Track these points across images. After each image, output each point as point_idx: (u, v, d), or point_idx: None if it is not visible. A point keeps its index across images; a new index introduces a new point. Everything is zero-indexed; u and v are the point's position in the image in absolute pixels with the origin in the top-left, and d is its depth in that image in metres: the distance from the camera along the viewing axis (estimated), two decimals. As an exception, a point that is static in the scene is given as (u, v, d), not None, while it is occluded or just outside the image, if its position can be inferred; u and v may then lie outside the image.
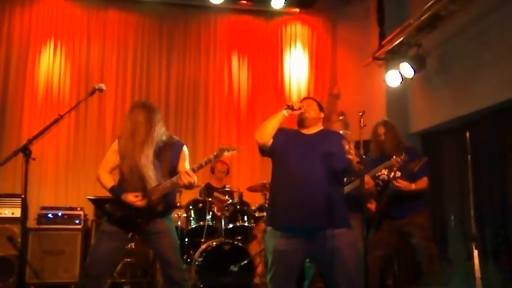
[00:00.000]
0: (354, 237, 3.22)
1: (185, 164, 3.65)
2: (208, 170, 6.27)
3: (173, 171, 3.56)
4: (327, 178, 3.19)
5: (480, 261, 4.72)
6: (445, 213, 5.96)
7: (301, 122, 3.43)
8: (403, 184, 4.16)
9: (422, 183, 4.27)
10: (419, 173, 4.23)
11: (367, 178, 4.01)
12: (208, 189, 5.98)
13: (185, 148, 3.69)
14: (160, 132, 3.56)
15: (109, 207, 3.52)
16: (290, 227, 3.18)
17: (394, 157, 4.05)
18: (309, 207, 3.13)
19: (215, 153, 3.50)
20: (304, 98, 3.62)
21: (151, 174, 3.43)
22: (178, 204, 5.44)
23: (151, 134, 3.48)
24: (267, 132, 3.30)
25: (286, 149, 3.29)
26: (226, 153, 3.51)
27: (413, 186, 4.20)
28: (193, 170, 3.46)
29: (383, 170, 4.26)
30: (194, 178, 3.45)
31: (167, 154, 3.55)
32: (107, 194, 3.65)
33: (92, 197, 3.84)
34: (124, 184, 3.51)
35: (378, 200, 4.37)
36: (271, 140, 3.31)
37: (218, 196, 5.83)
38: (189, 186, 3.50)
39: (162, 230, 3.53)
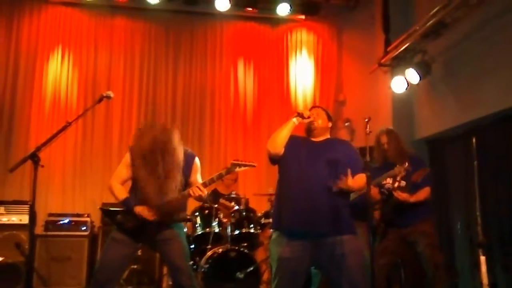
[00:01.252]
0: (360, 244, 3.23)
1: (197, 176, 3.68)
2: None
3: (185, 182, 3.59)
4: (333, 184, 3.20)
5: (487, 268, 4.70)
6: (451, 220, 5.93)
7: (310, 131, 3.45)
8: (402, 196, 4.16)
9: (424, 193, 4.26)
10: (422, 183, 4.23)
11: (372, 189, 4.03)
12: (215, 195, 5.98)
13: (197, 160, 3.72)
14: (180, 149, 3.58)
15: (120, 217, 3.53)
16: (295, 231, 3.19)
17: (397, 166, 4.05)
18: (314, 212, 3.15)
19: (227, 168, 3.53)
20: (313, 107, 3.63)
21: (172, 188, 3.46)
22: (188, 217, 5.44)
23: (176, 149, 3.52)
24: (279, 143, 3.32)
25: (294, 155, 3.31)
26: (238, 169, 3.53)
27: (411, 199, 4.19)
28: (204, 184, 3.50)
29: (388, 179, 4.25)
30: (205, 192, 3.49)
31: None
32: (114, 200, 3.67)
33: (105, 209, 3.86)
34: (137, 196, 3.52)
35: (383, 208, 4.37)
36: (283, 150, 3.33)
37: (224, 203, 5.83)
38: (200, 200, 3.54)
39: (171, 237, 3.55)
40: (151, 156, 3.46)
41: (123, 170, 3.64)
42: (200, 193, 3.44)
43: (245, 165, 3.55)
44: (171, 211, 3.50)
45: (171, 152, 3.48)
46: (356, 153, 3.47)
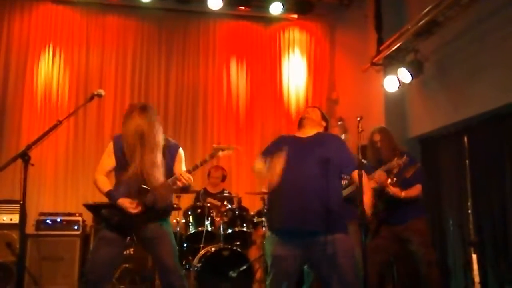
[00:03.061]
0: (351, 243, 3.23)
1: (181, 166, 3.63)
2: (206, 175, 6.30)
3: (169, 173, 3.53)
4: (324, 183, 3.20)
5: (479, 266, 4.72)
6: (443, 219, 5.95)
7: (300, 121, 3.53)
8: (392, 190, 4.17)
9: (415, 190, 4.26)
10: (413, 180, 4.23)
11: (380, 172, 4.09)
12: (205, 195, 5.99)
13: (180, 150, 3.68)
14: (161, 135, 3.54)
15: (106, 212, 3.48)
16: (286, 230, 3.20)
17: (396, 159, 4.06)
18: (305, 211, 3.15)
19: (210, 153, 3.51)
20: (309, 107, 3.74)
21: (157, 177, 3.41)
22: (175, 206, 5.39)
23: (157, 137, 3.47)
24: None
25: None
26: (220, 153, 3.52)
27: (402, 194, 4.20)
28: (189, 171, 3.47)
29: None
30: (191, 179, 3.44)
31: (164, 157, 3.54)
32: (105, 198, 3.64)
33: (88, 204, 3.82)
34: (121, 188, 3.47)
35: (376, 205, 4.37)
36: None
37: (211, 202, 5.81)
38: (186, 189, 3.50)
39: (160, 235, 3.51)
40: (132, 143, 3.41)
41: (106, 160, 3.58)
42: (187, 181, 3.40)
43: (227, 149, 3.55)
44: (155, 201, 3.44)
45: (151, 137, 3.43)
46: (348, 149, 3.46)
